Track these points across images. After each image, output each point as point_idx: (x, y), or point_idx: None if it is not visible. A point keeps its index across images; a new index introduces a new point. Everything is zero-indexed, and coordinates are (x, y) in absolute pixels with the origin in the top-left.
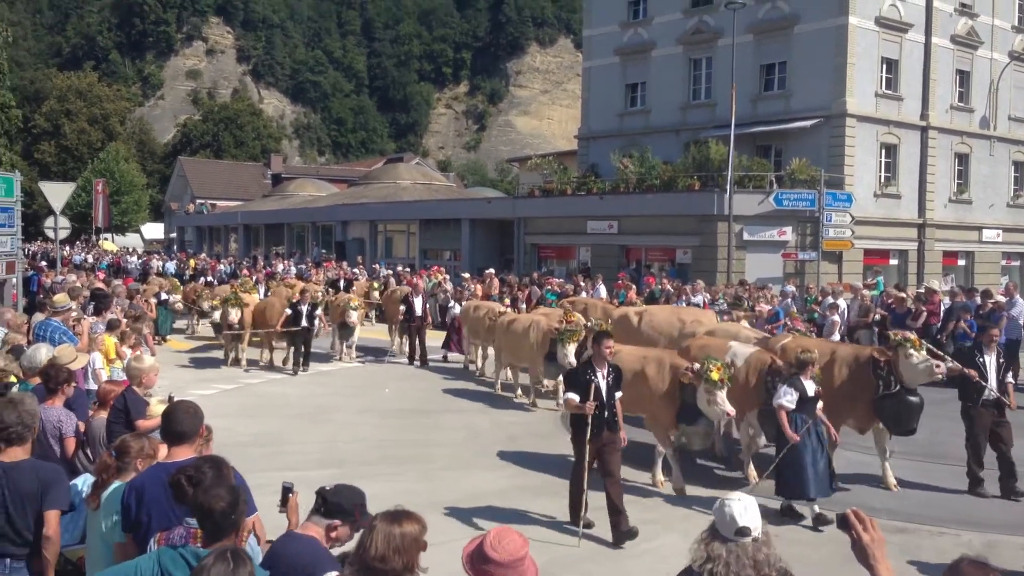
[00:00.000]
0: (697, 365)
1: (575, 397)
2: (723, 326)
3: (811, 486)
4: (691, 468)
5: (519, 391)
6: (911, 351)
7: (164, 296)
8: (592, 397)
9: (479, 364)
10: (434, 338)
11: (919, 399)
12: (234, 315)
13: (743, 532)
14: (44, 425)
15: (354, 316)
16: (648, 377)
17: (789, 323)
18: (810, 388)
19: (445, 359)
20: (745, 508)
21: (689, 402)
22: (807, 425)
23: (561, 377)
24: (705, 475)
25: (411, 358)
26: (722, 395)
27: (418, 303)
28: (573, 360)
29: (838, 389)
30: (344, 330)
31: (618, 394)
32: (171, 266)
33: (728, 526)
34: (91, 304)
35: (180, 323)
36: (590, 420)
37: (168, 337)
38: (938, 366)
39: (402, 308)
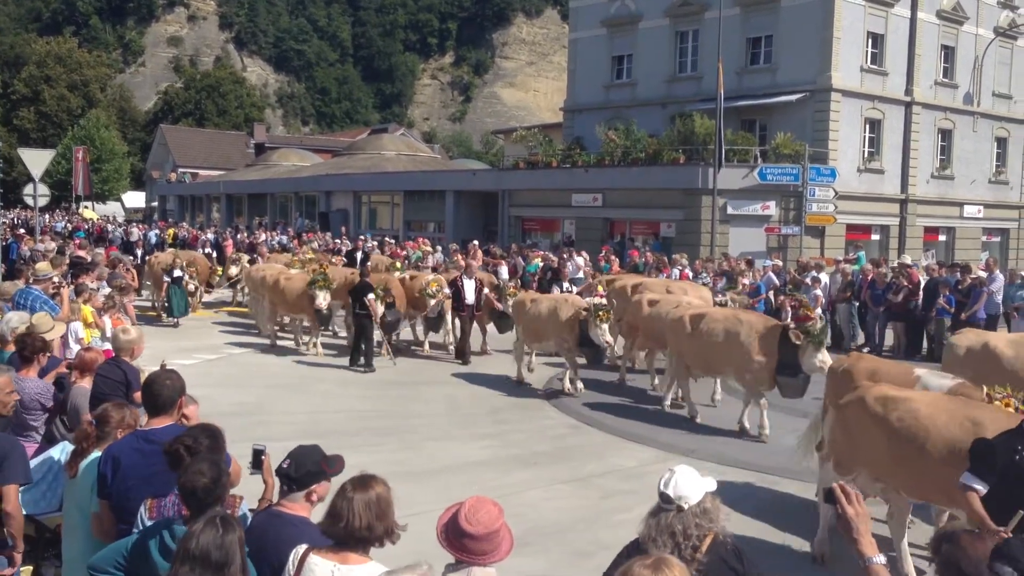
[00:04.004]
0: None
1: (981, 489)
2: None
3: None
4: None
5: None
6: None
7: (178, 273)
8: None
9: (524, 370)
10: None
11: None
12: (322, 298)
13: (664, 499)
14: (22, 397)
15: (432, 303)
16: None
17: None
18: None
19: None
20: (672, 476)
21: None
22: None
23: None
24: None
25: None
26: None
27: (469, 288)
28: (827, 359)
29: None
30: (428, 320)
31: None
32: (153, 235)
33: (658, 494)
34: (71, 273)
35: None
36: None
37: (181, 321)
38: None
39: (446, 292)
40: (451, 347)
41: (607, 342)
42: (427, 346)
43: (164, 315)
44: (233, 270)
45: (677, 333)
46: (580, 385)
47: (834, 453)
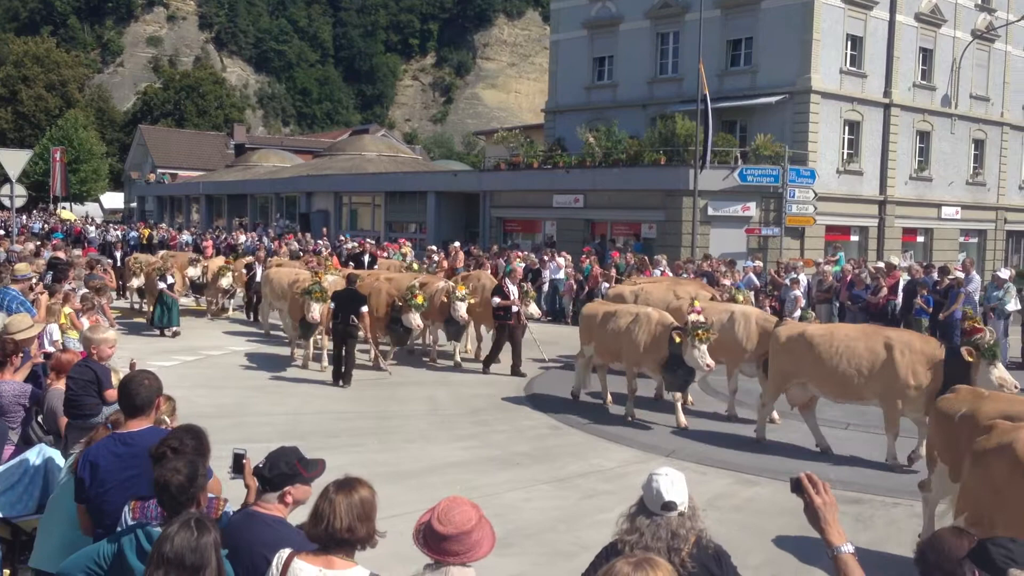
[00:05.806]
0: None
1: None
2: None
3: None
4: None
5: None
6: None
7: (171, 280)
8: None
9: (582, 388)
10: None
11: None
12: (316, 311)
13: (669, 507)
14: (1, 401)
15: (462, 310)
16: None
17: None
18: None
19: None
20: (672, 483)
21: None
22: None
23: None
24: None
25: (516, 368)
26: None
27: (515, 295)
28: (1006, 375)
29: None
30: (450, 327)
31: None
32: (132, 236)
33: (655, 501)
34: (48, 274)
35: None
36: None
37: (174, 329)
38: None
39: (495, 301)
40: (466, 355)
41: (708, 365)
42: (458, 356)
43: (153, 325)
44: (191, 271)
45: (795, 352)
46: (683, 420)
47: (969, 508)
